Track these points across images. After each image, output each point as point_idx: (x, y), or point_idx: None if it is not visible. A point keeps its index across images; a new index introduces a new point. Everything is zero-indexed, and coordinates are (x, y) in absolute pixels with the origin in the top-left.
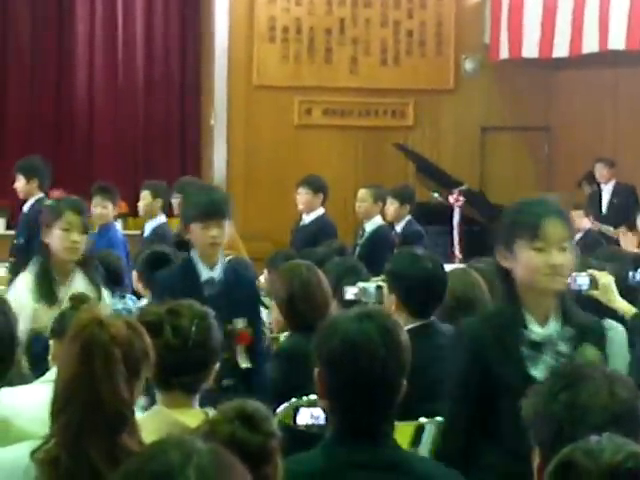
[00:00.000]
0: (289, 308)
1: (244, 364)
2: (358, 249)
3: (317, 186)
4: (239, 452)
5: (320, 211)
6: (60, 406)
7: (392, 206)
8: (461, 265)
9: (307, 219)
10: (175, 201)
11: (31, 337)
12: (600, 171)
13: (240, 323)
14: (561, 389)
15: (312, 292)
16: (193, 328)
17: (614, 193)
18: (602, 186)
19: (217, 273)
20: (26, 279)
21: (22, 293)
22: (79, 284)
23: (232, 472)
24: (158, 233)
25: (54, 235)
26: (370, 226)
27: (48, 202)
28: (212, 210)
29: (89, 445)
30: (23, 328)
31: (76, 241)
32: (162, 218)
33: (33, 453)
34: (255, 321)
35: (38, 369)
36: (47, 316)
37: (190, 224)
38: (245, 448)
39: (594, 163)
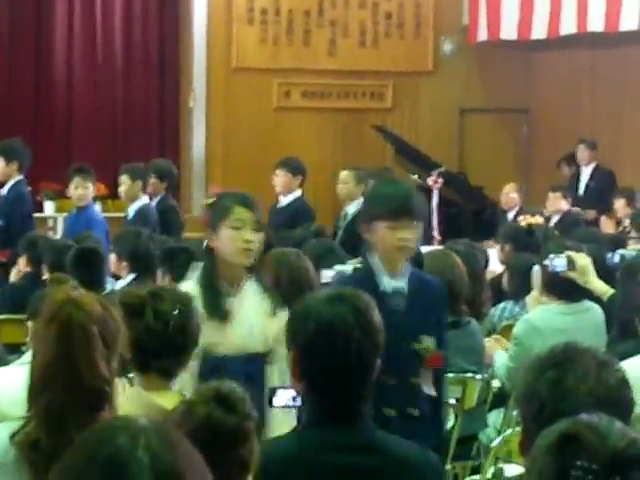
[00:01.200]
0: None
1: (430, 391)
2: (340, 232)
3: (295, 168)
4: (215, 433)
5: (297, 193)
6: (40, 388)
7: None
8: (440, 247)
9: (285, 201)
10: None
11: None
12: (581, 153)
13: (430, 342)
14: (549, 368)
15: (300, 279)
16: (175, 312)
17: (592, 176)
18: (582, 168)
19: (403, 284)
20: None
21: None
22: (250, 294)
23: (181, 448)
24: (141, 215)
25: (222, 236)
26: (352, 208)
27: (209, 200)
28: (405, 208)
29: (71, 426)
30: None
31: (249, 240)
32: (144, 199)
33: (12, 436)
34: (442, 341)
35: None
36: (218, 334)
37: (374, 222)
38: (221, 429)
39: (576, 144)
